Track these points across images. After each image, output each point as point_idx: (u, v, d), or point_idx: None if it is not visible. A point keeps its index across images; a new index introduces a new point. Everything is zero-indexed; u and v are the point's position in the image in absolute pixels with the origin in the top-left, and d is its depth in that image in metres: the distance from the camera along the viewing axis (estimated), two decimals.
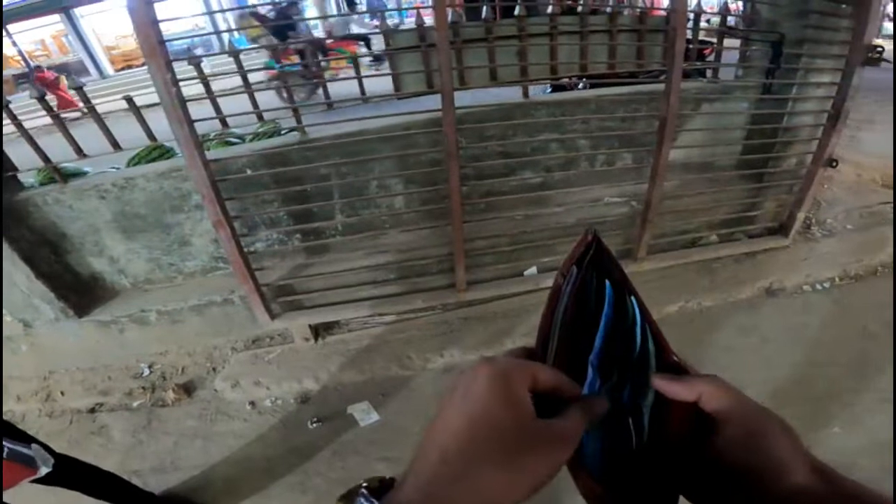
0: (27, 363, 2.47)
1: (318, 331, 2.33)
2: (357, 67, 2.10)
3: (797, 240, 2.57)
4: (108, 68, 13.00)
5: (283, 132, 2.50)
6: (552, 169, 2.32)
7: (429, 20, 1.93)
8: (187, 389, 2.27)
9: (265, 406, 2.16)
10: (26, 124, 1.88)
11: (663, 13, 2.37)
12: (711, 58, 2.45)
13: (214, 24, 9.46)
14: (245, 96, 2.00)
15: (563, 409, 0.32)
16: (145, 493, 1.72)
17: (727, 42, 2.23)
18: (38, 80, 8.14)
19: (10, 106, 1.87)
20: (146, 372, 2.39)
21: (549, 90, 2.62)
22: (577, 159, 2.35)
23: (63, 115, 1.94)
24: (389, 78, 2.03)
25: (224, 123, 2.00)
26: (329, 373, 2.21)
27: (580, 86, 2.65)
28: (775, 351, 2.06)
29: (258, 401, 2.17)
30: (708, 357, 2.06)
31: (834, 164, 2.22)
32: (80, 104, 1.88)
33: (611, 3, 2.28)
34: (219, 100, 1.91)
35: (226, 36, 8.28)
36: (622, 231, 2.32)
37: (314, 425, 2.01)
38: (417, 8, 2.31)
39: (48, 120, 1.90)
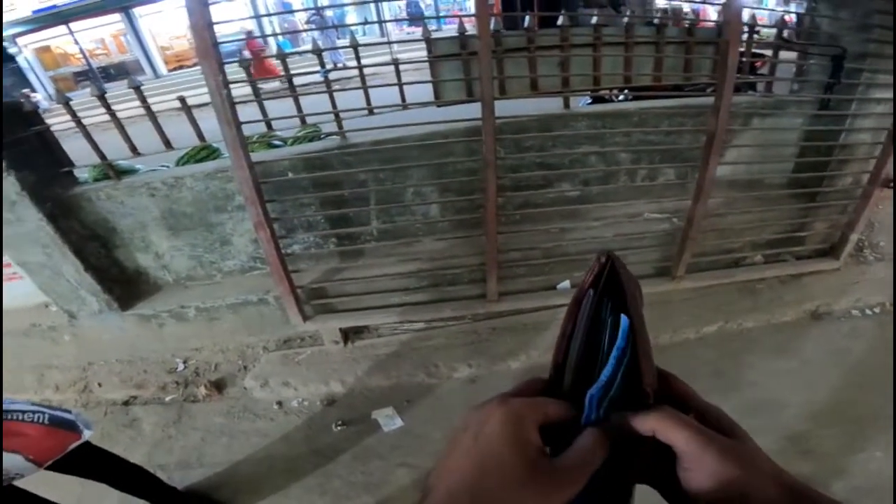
0: (68, 353, 2.57)
1: (348, 334, 2.35)
2: (398, 74, 2.12)
3: (848, 262, 2.44)
4: (162, 68, 13.53)
5: (322, 136, 2.55)
6: (590, 182, 2.27)
7: (468, 27, 1.94)
8: (218, 386, 2.32)
9: (292, 406, 2.19)
10: (85, 121, 1.98)
11: (711, 24, 2.29)
12: (764, 71, 2.36)
13: (261, 27, 9.81)
14: (289, 99, 2.05)
15: (572, 440, 0.33)
16: (169, 488, 1.75)
17: (780, 55, 2.15)
18: (248, 48, 8.20)
19: (69, 103, 1.96)
20: (181, 367, 2.45)
21: (588, 102, 2.58)
22: (616, 173, 2.30)
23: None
24: (427, 84, 2.03)
25: (269, 126, 2.05)
26: (356, 377, 2.22)
27: (620, 97, 2.59)
28: (817, 374, 1.98)
29: (285, 401, 2.21)
30: (746, 378, 1.99)
31: (891, 184, 2.09)
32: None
33: (658, 14, 2.23)
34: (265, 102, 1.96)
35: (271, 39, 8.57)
36: (660, 248, 2.25)
37: (338, 428, 2.03)
38: (459, 16, 2.31)
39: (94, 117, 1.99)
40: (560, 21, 1.95)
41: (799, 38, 2.16)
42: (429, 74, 2.02)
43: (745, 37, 1.93)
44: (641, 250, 2.20)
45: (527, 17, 1.98)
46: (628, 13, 2.08)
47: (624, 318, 0.35)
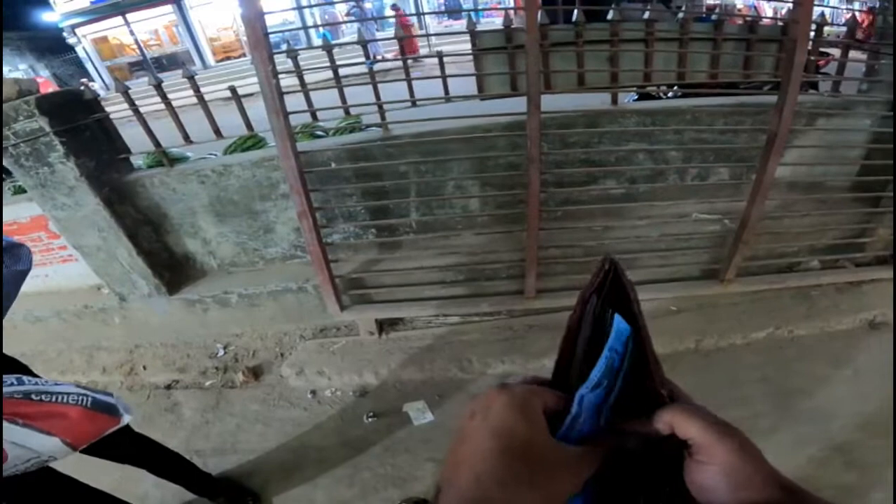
0: (117, 335, 2.67)
1: (383, 326, 2.36)
2: (442, 67, 2.11)
3: None
4: (210, 58, 13.99)
5: (363, 127, 2.57)
6: (637, 180, 2.20)
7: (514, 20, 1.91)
8: (256, 373, 2.36)
9: (325, 396, 2.21)
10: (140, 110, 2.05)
11: (771, 21, 2.18)
12: (828, 70, 2.23)
13: (303, 18, 9.97)
14: (329, 90, 2.06)
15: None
16: (204, 475, 1.77)
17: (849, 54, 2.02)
18: (399, 22, 8.50)
19: (127, 91, 2.04)
20: (221, 352, 2.51)
21: (635, 98, 2.50)
22: (665, 172, 2.22)
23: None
24: (469, 78, 2.01)
25: (314, 117, 2.08)
26: (389, 369, 2.23)
27: (670, 95, 2.50)
28: (870, 384, 1.87)
29: (319, 390, 2.23)
30: (795, 386, 1.90)
31: None
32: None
33: (713, 11, 2.14)
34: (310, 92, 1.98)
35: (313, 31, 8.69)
36: (709, 250, 2.17)
37: (369, 420, 2.03)
38: (506, 9, 2.28)
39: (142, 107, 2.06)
40: (610, 15, 1.90)
41: (870, 38, 2.02)
42: (470, 68, 2.01)
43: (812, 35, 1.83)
44: (688, 251, 2.13)
45: (574, 11, 1.93)
46: (681, 9, 1.99)
47: (623, 324, 0.35)
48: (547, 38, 1.90)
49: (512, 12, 2.07)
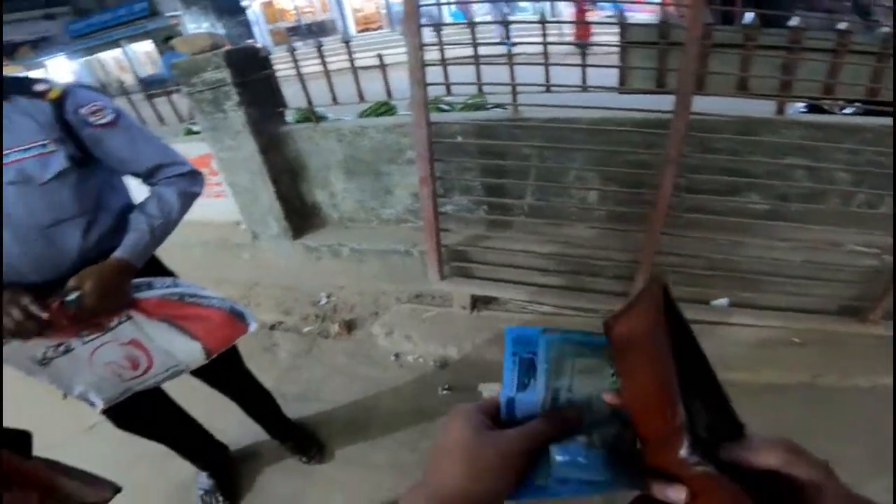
0: (242, 270, 2.95)
1: (477, 302, 2.40)
2: (584, 56, 2.06)
3: None
4: (353, 28, 14.91)
5: (488, 106, 2.62)
6: (789, 198, 1.96)
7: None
8: (349, 326, 2.47)
9: (407, 361, 2.25)
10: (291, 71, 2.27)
11: None
12: None
13: None
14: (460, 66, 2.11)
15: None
16: (285, 419, 1.81)
17: None
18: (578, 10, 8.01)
19: (294, 52, 2.28)
20: (323, 301, 2.67)
21: (803, 110, 2.23)
22: (827, 193, 1.95)
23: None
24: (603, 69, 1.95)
25: (449, 90, 2.16)
26: (473, 345, 2.25)
27: (848, 111, 2.18)
28: None
29: (403, 354, 2.28)
30: None
31: None
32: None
33: None
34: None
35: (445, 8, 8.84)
36: (858, 285, 1.89)
37: (444, 392, 2.05)
38: (662, 4, 2.16)
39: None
40: (794, 22, 1.73)
41: None
42: (604, 59, 1.95)
43: None
44: (831, 284, 1.87)
45: (749, 14, 1.80)
46: (878, 21, 1.74)
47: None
48: (710, 38, 1.78)
49: (672, 8, 1.97)
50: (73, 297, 1.01)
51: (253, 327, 1.28)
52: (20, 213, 0.99)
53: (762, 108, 1.98)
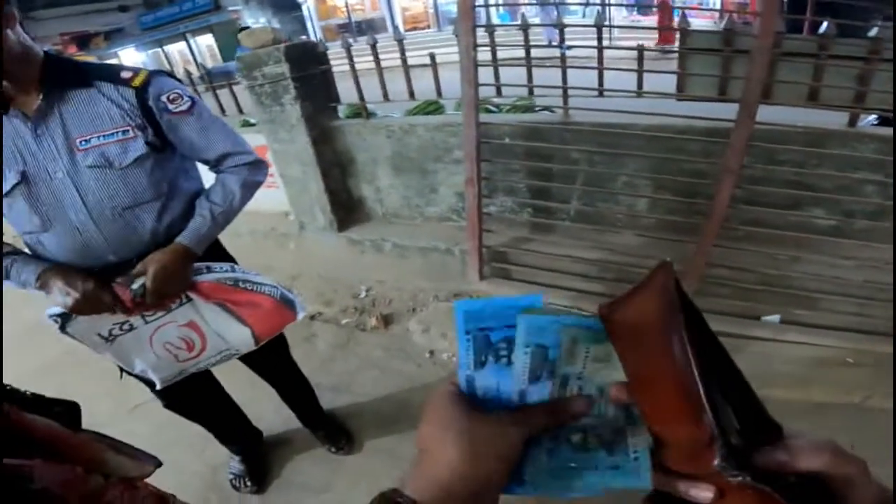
0: (287, 259, 3.01)
1: None
2: (641, 61, 2.02)
3: None
4: (401, 27, 15.36)
5: (536, 109, 2.60)
6: (856, 215, 1.84)
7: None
8: (387, 321, 2.47)
9: (441, 359, 2.22)
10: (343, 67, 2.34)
11: None
12: None
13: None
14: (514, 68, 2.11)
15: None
16: (319, 408, 1.80)
17: None
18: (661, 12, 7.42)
19: (350, 49, 2.36)
20: (363, 294, 2.67)
21: (874, 123, 2.09)
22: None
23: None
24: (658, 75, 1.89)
25: (499, 92, 2.17)
26: None
27: None
28: None
29: (437, 352, 2.24)
30: None
31: None
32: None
33: None
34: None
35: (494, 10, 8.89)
36: None
37: None
38: (737, 12, 2.08)
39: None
40: (874, 32, 1.65)
41: None
42: (657, 65, 1.88)
43: None
44: (880, 305, 1.76)
45: (824, 23, 1.71)
46: None
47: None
48: (779, 46, 1.70)
49: (734, 15, 1.89)
50: (138, 283, 1.07)
51: (301, 315, 1.29)
52: (100, 197, 1.04)
53: (831, 120, 1.88)
